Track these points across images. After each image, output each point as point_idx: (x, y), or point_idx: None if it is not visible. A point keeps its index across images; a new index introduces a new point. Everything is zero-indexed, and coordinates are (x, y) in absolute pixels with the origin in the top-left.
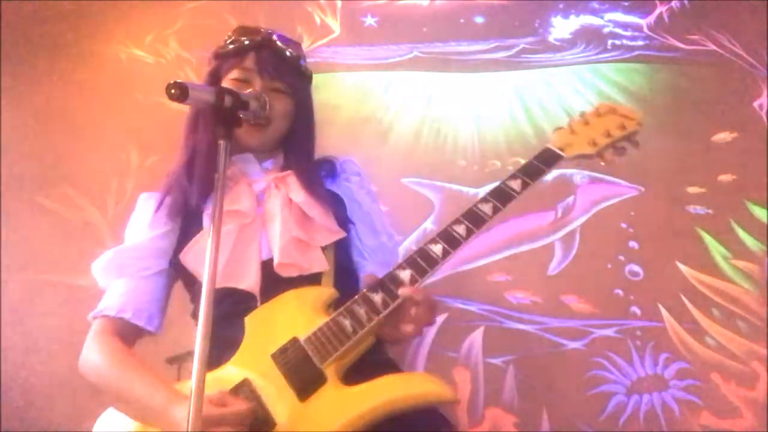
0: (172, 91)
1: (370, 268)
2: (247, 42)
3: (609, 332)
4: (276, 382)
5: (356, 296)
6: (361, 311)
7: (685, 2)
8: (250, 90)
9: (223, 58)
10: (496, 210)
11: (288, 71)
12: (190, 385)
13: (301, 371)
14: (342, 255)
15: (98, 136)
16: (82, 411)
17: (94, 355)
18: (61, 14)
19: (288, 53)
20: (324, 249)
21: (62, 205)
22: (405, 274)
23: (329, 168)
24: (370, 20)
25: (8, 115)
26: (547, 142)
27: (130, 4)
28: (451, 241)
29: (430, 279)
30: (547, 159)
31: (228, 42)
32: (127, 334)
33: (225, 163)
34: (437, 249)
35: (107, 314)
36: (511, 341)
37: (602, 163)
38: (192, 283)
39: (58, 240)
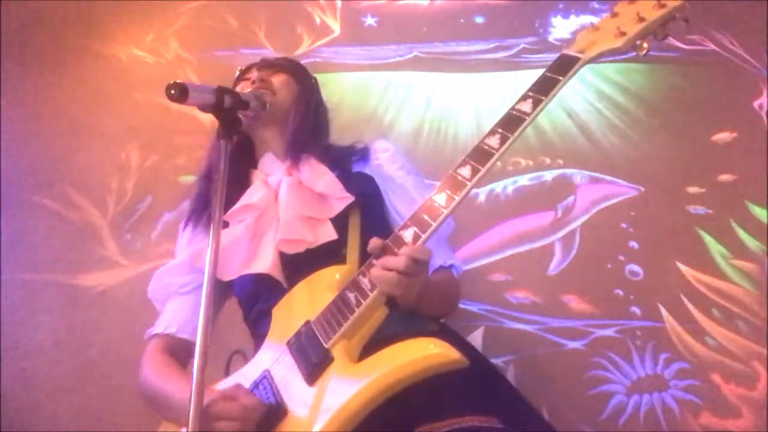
0: (172, 91)
1: None
2: (245, 67)
3: (609, 332)
4: (289, 369)
5: (363, 266)
6: (365, 281)
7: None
8: (250, 90)
9: (236, 82)
10: (504, 140)
11: (285, 61)
12: (225, 381)
13: (310, 354)
14: (372, 228)
15: (98, 136)
16: (84, 411)
17: (143, 371)
18: (61, 14)
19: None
20: (348, 223)
21: (62, 205)
22: (408, 233)
23: (362, 152)
24: (370, 20)
25: (8, 115)
26: (547, 141)
27: (130, 4)
28: (455, 185)
29: None
30: (561, 66)
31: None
32: (178, 349)
33: (225, 164)
34: (441, 198)
35: (156, 332)
36: (511, 341)
37: (641, 54)
38: (232, 288)
39: (58, 240)
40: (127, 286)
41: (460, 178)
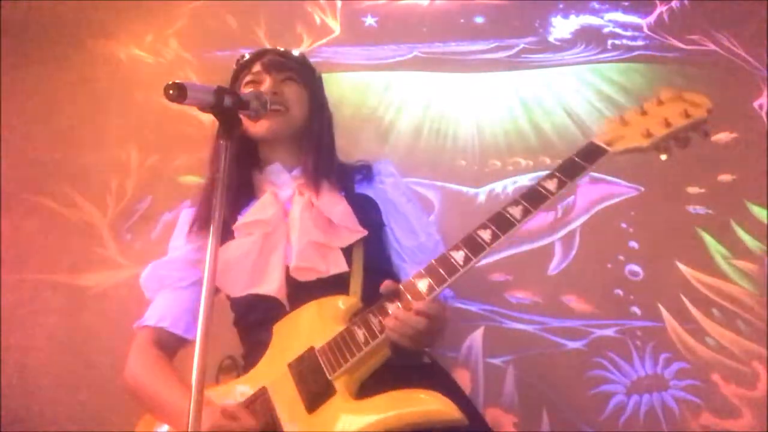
0: (171, 91)
1: (409, 271)
2: (248, 56)
3: (609, 332)
4: (289, 392)
5: (374, 305)
6: (375, 321)
7: (685, 2)
8: (251, 90)
9: (236, 75)
10: (526, 213)
11: (294, 64)
12: (219, 389)
13: (312, 382)
14: (374, 257)
15: (98, 136)
16: (83, 411)
17: (133, 363)
18: (61, 14)
19: (290, 51)
20: (352, 251)
21: (62, 205)
22: (423, 283)
23: (366, 172)
24: (370, 20)
25: (8, 115)
26: (547, 141)
27: (130, 4)
28: (474, 247)
29: None
30: (588, 154)
31: (236, 64)
32: (168, 343)
33: (225, 164)
34: (459, 256)
35: (148, 324)
36: (511, 341)
37: (662, 157)
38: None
39: (58, 240)
40: (127, 286)
41: (479, 240)
